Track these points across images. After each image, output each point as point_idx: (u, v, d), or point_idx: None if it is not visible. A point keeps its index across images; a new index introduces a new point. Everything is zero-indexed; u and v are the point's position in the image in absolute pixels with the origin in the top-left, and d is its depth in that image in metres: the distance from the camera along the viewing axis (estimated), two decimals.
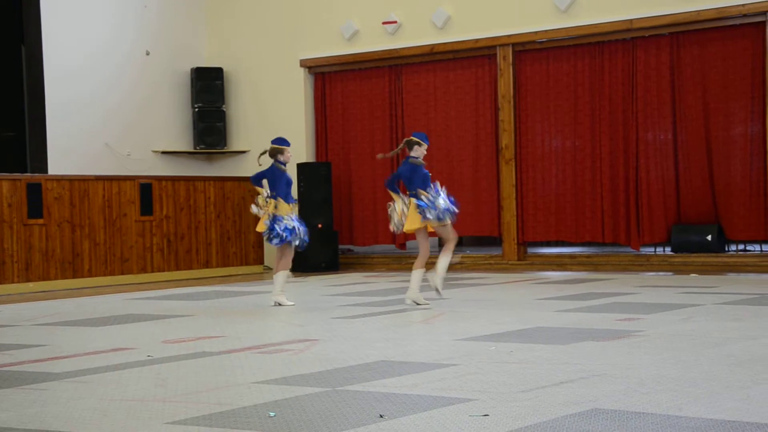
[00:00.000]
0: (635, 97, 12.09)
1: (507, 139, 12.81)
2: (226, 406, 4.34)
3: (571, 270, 12.27)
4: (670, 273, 11.48)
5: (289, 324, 7.47)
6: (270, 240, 8.52)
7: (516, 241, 12.78)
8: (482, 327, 6.84)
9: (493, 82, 12.98)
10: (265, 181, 8.68)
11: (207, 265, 13.08)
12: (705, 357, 5.31)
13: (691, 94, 11.79)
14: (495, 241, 14.21)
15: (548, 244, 14.71)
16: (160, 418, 4.15)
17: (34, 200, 11.26)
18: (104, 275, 11.92)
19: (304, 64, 14.15)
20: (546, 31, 12.47)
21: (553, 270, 12.40)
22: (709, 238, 11.57)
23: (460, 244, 16.55)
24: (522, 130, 12.82)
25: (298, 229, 8.54)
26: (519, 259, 12.79)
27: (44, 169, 12.62)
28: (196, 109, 14.39)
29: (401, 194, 8.40)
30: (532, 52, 12.73)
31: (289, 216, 8.56)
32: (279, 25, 14.34)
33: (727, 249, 11.82)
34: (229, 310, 8.66)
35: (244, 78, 14.62)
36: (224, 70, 14.59)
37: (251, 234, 13.61)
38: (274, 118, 14.33)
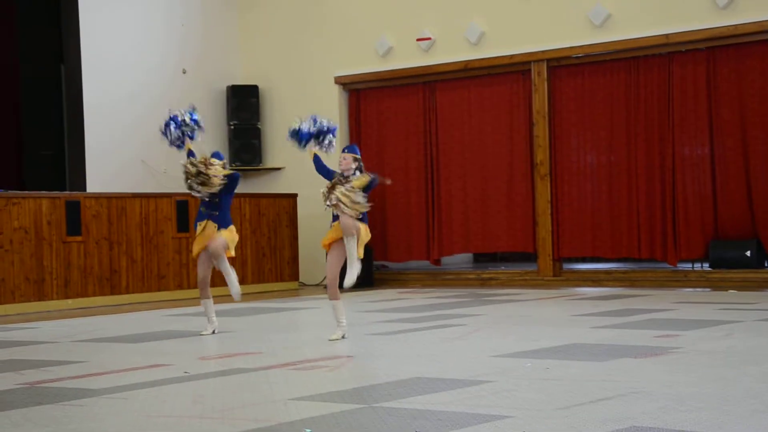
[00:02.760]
0: (671, 111, 12.01)
1: (542, 154, 12.77)
2: (263, 423, 4.35)
3: (607, 286, 12.18)
4: (708, 289, 11.36)
5: (325, 340, 7.48)
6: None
7: (551, 257, 12.71)
8: (518, 343, 6.81)
9: (528, 97, 12.96)
10: None
11: (242, 281, 13.00)
12: (745, 374, 5.25)
13: (728, 109, 11.68)
14: (530, 257, 14.13)
15: (584, 260, 14.61)
16: None
17: (73, 218, 11.39)
18: (141, 292, 12.01)
19: (338, 81, 14.22)
20: (581, 46, 12.44)
21: (589, 286, 12.32)
22: (747, 253, 11.43)
23: (495, 259, 16.61)
24: (557, 146, 12.77)
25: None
26: (554, 275, 12.72)
27: (83, 187, 12.77)
28: (232, 127, 14.50)
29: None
30: (567, 68, 12.70)
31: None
32: (313, 43, 14.43)
33: (766, 264, 11.67)
34: (265, 326, 8.68)
35: (279, 95, 14.71)
36: (259, 87, 14.70)
37: (286, 250, 13.66)
38: None
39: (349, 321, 7.84)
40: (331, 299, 7.48)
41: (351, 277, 7.27)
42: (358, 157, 7.53)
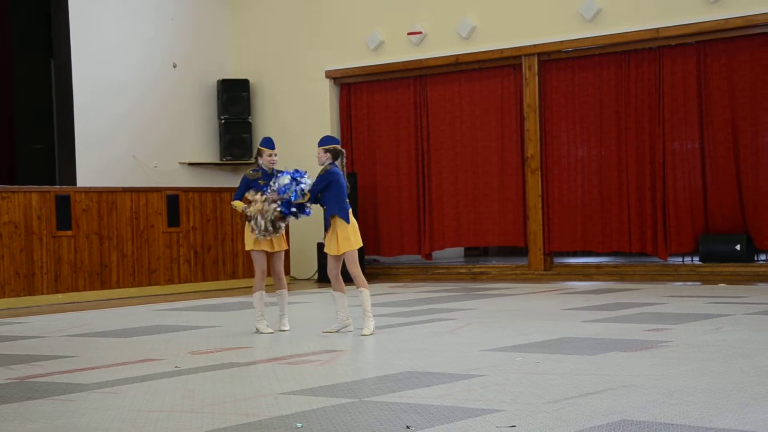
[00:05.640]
0: (662, 106, 12.03)
1: (533, 148, 12.78)
2: (253, 417, 4.35)
3: (597, 280, 12.20)
4: (699, 283, 11.39)
5: (316, 335, 7.48)
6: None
7: (542, 251, 12.73)
8: (508, 338, 6.82)
9: (519, 91, 12.97)
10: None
11: (233, 276, 13.13)
12: (735, 368, 5.27)
13: (718, 103, 11.71)
14: (521, 251, 14.17)
15: (574, 254, 14.65)
16: (188, 429, 4.17)
17: (63, 212, 11.37)
18: (132, 286, 12.00)
19: (329, 75, 14.20)
20: (571, 40, 12.45)
21: (580, 280, 12.34)
22: (737, 247, 11.47)
23: (486, 254, 16.62)
24: (548, 140, 12.79)
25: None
26: (545, 269, 12.74)
27: (73, 182, 12.74)
28: (223, 121, 14.47)
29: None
30: (558, 62, 12.71)
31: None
32: (304, 37, 14.41)
33: (756, 258, 11.71)
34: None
35: (269, 89, 14.69)
36: (250, 81, 14.67)
37: None
38: (300, 128, 14.39)
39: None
40: (333, 290, 7.49)
41: (368, 329, 7.24)
42: (329, 147, 7.45)
